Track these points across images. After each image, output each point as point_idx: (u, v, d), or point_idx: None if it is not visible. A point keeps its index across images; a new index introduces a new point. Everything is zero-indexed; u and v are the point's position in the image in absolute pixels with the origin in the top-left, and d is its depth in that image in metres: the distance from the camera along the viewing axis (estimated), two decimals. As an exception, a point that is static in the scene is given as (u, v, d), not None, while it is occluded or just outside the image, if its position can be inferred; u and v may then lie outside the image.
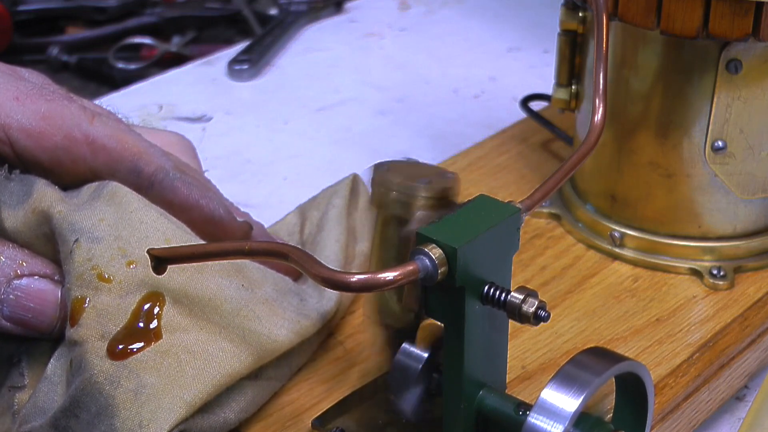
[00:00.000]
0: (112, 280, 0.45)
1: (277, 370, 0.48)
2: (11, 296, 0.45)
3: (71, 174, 0.47)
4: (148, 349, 0.44)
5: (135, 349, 0.44)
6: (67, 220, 0.46)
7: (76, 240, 0.45)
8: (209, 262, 0.48)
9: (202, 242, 0.48)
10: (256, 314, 0.47)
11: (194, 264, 0.47)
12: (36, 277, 0.45)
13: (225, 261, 0.48)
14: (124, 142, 0.47)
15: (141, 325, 0.44)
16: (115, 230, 0.46)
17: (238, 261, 0.49)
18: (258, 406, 0.48)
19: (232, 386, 0.45)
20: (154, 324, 0.44)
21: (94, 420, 0.42)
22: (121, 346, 0.44)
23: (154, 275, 0.45)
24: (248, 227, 0.50)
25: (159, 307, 0.45)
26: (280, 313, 0.48)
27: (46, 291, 0.45)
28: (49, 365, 0.45)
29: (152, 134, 0.52)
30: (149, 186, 0.47)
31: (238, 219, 0.50)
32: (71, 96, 0.48)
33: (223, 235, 0.49)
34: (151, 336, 0.44)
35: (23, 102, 0.46)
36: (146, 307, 0.45)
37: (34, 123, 0.46)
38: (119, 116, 0.51)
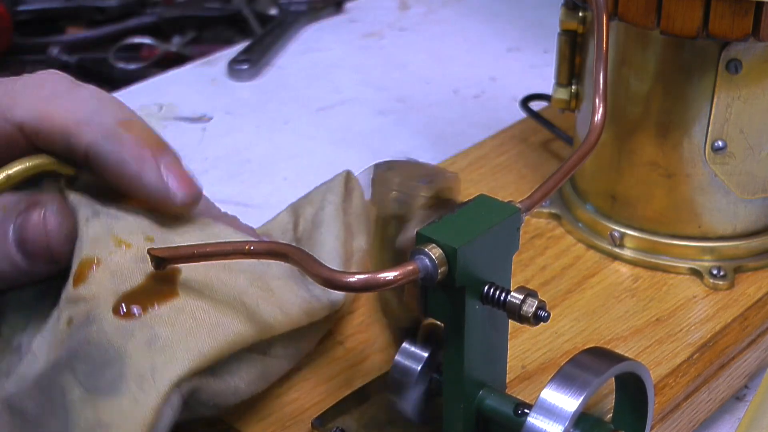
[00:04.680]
0: (131, 246, 0.44)
1: (286, 349, 0.48)
2: (17, 235, 0.44)
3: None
4: (164, 305, 0.43)
5: (140, 312, 0.43)
6: (82, 201, 0.45)
7: (97, 213, 0.45)
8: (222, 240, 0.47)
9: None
10: (271, 287, 0.47)
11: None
12: (29, 210, 0.44)
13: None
14: (51, 118, 0.44)
15: (156, 286, 0.44)
16: (136, 213, 0.46)
17: None
18: (268, 383, 0.47)
19: (241, 357, 0.45)
20: (169, 286, 0.44)
21: (97, 370, 0.42)
22: (125, 307, 0.43)
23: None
24: (190, 204, 0.46)
25: (175, 272, 0.44)
26: (294, 290, 0.48)
27: (32, 217, 0.44)
28: (34, 341, 0.45)
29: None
30: (84, 163, 0.45)
31: (177, 199, 0.46)
32: None
33: (163, 209, 0.46)
34: (165, 296, 0.43)
35: None
36: (162, 272, 0.44)
37: None
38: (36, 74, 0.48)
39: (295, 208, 0.57)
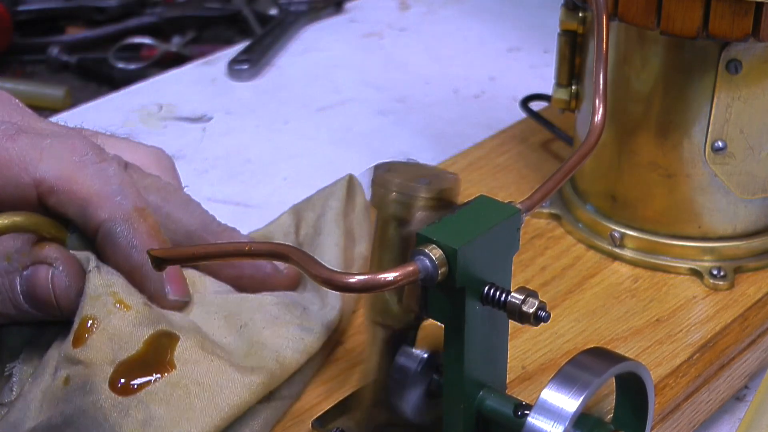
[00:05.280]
0: (130, 308, 0.45)
1: (290, 388, 0.48)
2: (24, 288, 0.46)
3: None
4: (159, 380, 0.43)
5: (136, 386, 0.43)
6: (86, 254, 0.46)
7: (97, 266, 0.46)
8: (213, 305, 0.48)
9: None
10: (263, 342, 0.47)
11: (202, 308, 0.48)
12: (36, 264, 0.46)
13: (223, 296, 0.49)
14: (73, 182, 0.46)
15: (153, 356, 0.44)
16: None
17: (239, 296, 0.49)
18: (271, 426, 0.47)
19: (246, 411, 0.45)
20: (166, 356, 0.44)
21: None
22: (123, 380, 0.43)
23: (170, 317, 0.46)
24: (180, 305, 0.49)
25: (172, 341, 0.45)
26: (284, 334, 0.48)
27: (39, 276, 0.45)
28: (26, 384, 0.45)
29: (131, 148, 0.51)
30: (94, 237, 0.47)
31: (170, 297, 0.48)
32: (19, 126, 0.47)
33: (154, 301, 0.48)
34: (161, 368, 0.44)
35: None
36: (159, 340, 0.45)
37: None
38: (97, 129, 0.50)
39: (297, 211, 0.57)
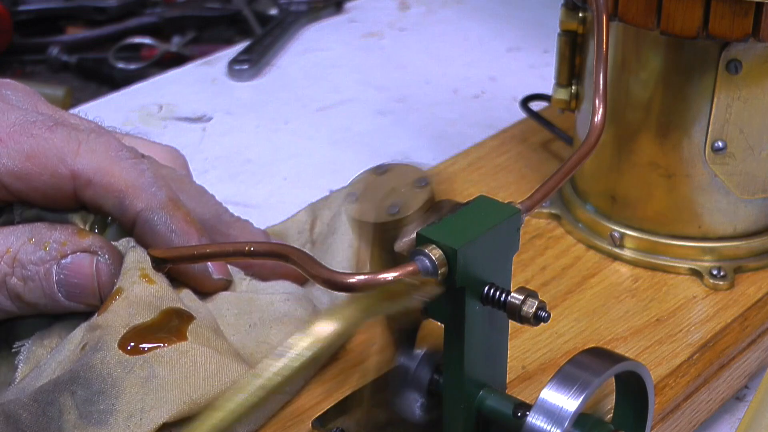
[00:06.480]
0: (154, 282, 0.46)
1: (292, 385, 0.48)
2: (62, 276, 0.46)
3: (64, 208, 0.48)
4: (168, 347, 0.44)
5: (146, 348, 0.44)
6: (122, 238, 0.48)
7: (133, 246, 0.47)
8: (226, 302, 0.49)
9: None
10: (268, 342, 0.48)
11: (214, 303, 0.49)
12: (77, 253, 0.46)
13: (235, 293, 0.49)
14: (110, 175, 0.47)
15: (166, 326, 0.45)
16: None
17: (250, 292, 0.50)
18: (267, 417, 0.48)
19: None
20: (179, 328, 0.45)
21: (93, 397, 0.43)
22: (133, 343, 0.44)
23: (189, 302, 0.46)
24: (224, 284, 0.50)
25: (187, 318, 0.46)
26: (291, 331, 0.48)
27: (83, 264, 0.46)
28: (44, 359, 0.46)
29: (147, 145, 0.52)
30: (132, 226, 0.48)
31: (215, 276, 0.49)
32: (56, 119, 0.48)
33: (197, 287, 0.49)
34: (173, 336, 0.44)
35: (7, 143, 0.46)
36: (175, 314, 0.45)
37: (20, 165, 0.46)
38: (109, 128, 0.51)
39: (314, 209, 0.57)
